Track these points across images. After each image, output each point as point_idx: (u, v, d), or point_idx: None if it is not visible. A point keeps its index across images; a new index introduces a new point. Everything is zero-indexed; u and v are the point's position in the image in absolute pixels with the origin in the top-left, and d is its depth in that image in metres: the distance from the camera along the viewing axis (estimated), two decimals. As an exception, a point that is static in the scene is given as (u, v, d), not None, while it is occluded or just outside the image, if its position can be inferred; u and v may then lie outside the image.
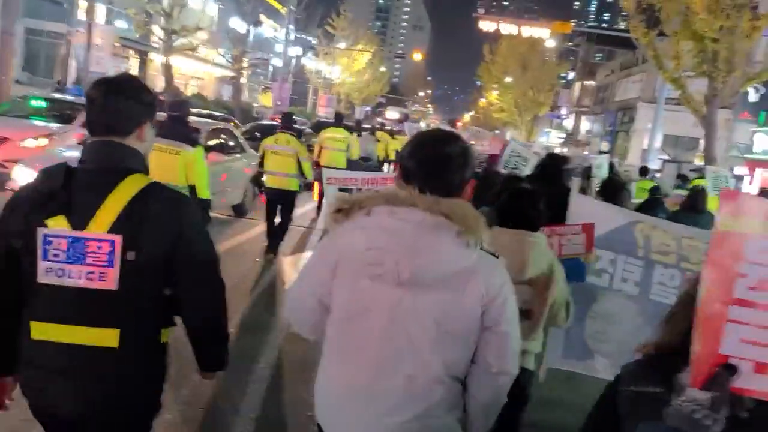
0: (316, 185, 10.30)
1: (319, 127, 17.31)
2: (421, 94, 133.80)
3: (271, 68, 46.89)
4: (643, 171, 13.28)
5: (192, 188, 5.23)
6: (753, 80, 13.03)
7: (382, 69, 60.05)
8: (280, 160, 7.80)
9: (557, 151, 30.69)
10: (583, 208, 4.20)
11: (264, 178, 7.95)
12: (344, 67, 45.47)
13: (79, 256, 1.76)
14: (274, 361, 4.59)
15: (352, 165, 9.51)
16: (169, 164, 5.06)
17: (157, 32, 22.85)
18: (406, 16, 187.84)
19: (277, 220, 7.97)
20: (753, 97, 19.43)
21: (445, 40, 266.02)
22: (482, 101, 66.63)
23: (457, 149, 1.79)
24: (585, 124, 49.18)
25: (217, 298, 1.99)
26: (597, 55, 55.02)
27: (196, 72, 37.50)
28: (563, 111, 53.88)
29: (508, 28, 27.02)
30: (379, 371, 1.75)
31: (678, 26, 12.62)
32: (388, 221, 1.72)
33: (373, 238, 1.73)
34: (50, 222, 1.75)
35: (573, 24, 31.79)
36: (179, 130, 5.33)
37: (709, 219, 5.37)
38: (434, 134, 1.92)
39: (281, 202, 7.89)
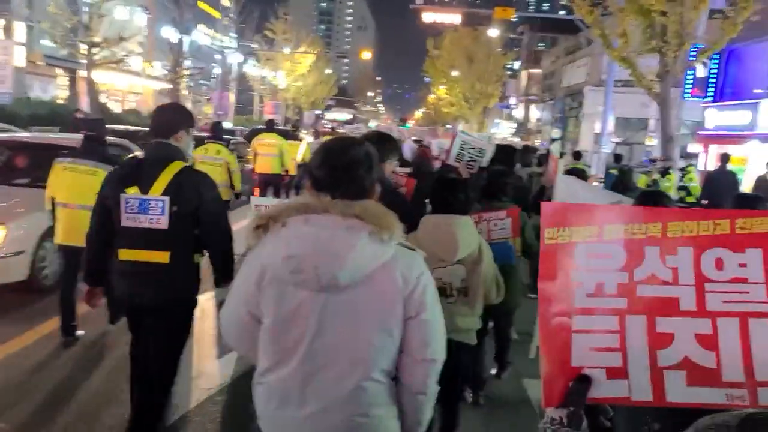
0: (257, 190, 10.54)
1: (252, 135, 16.50)
2: (371, 94, 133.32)
3: (213, 78, 45.54)
4: (577, 155, 13.72)
5: None
6: (706, 53, 12.60)
7: (328, 71, 58.91)
8: (209, 170, 7.25)
9: (509, 141, 30.50)
10: (569, 187, 4.42)
11: None
12: (288, 72, 44.36)
13: (144, 209, 3.07)
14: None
15: (305, 169, 9.29)
16: (86, 185, 4.72)
17: (81, 46, 21.41)
18: (350, 18, 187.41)
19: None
20: (701, 72, 19.19)
21: (391, 38, 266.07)
22: (431, 97, 66.25)
23: (362, 154, 1.89)
24: (534, 113, 49.14)
25: (226, 237, 3.29)
26: (540, 43, 55.33)
27: (133, 87, 36.06)
28: (512, 101, 53.81)
29: (449, 17, 26.43)
30: (311, 374, 1.81)
31: (623, 2, 12.11)
32: (303, 229, 1.78)
33: (291, 246, 1.78)
34: (128, 190, 3.07)
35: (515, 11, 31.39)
36: (95, 150, 5.15)
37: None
38: (340, 142, 2.00)
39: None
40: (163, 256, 3.09)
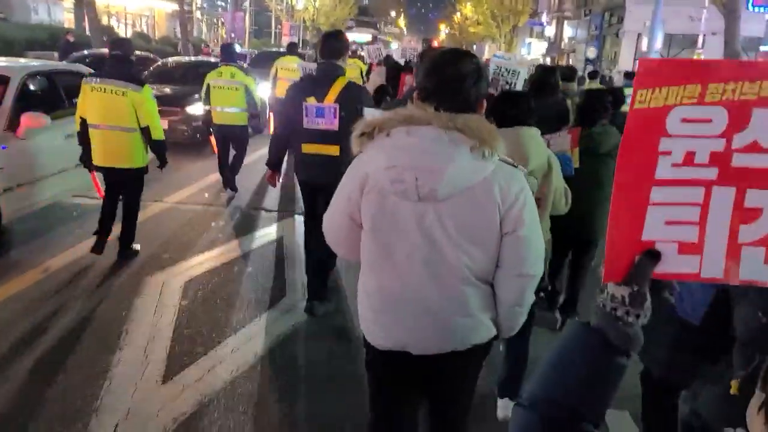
0: (272, 116, 10.11)
1: (259, 60, 15.14)
2: (394, 14, 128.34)
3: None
4: (593, 75, 13.51)
5: (144, 130, 5.04)
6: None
7: (349, -11, 56.00)
8: (225, 94, 7.53)
9: (541, 62, 28.53)
10: None
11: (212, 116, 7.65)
12: (306, -10, 41.96)
13: (321, 114, 4.00)
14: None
15: None
16: (116, 106, 4.93)
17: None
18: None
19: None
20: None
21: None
22: (457, 16, 62.96)
23: (471, 67, 1.86)
24: (568, 31, 46.14)
25: None
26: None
27: (142, 10, 34.32)
28: (544, 18, 50.64)
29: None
30: (414, 276, 1.88)
31: None
32: (405, 140, 1.78)
33: (392, 157, 1.79)
34: (308, 99, 4.01)
35: None
36: (123, 70, 5.06)
37: None
38: (449, 54, 1.93)
39: (231, 138, 7.73)
40: (335, 150, 4.04)
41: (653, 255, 1.07)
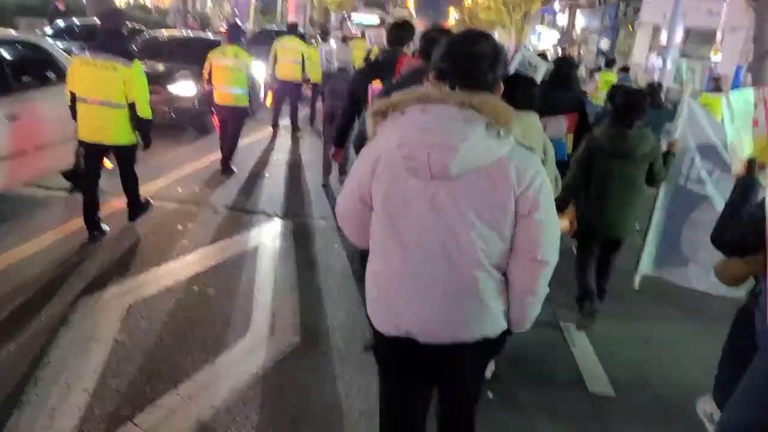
0: (269, 93, 10.27)
1: (257, 40, 14.28)
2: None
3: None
4: (609, 63, 13.75)
5: (131, 106, 4.93)
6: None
7: (357, -31, 54.51)
8: (228, 74, 7.45)
9: (552, 52, 27.47)
10: (695, 113, 4.39)
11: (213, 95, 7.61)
12: (313, -32, 40.65)
13: None
14: None
15: (331, 77, 7.93)
16: (106, 81, 4.83)
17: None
18: None
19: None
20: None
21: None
22: (467, 1, 61.48)
23: (488, 48, 1.83)
24: (580, 20, 44.85)
25: None
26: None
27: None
28: (556, 6, 49.30)
29: None
30: (424, 259, 1.82)
31: None
32: (419, 117, 1.76)
33: (406, 134, 1.77)
34: (374, 82, 3.90)
35: None
36: (114, 43, 4.92)
37: (669, 114, 5.44)
38: (466, 34, 1.91)
39: (230, 119, 7.68)
40: None
41: None
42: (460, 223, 1.77)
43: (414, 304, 1.85)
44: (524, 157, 1.79)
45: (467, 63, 1.81)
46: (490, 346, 1.94)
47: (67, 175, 6.32)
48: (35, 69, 5.95)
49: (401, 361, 2.01)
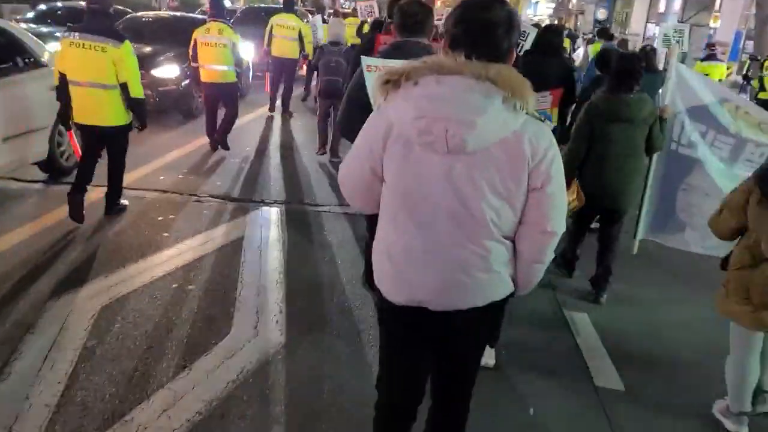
0: (267, 75, 10.24)
1: (243, 19, 13.82)
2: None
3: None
4: (601, 33, 13.21)
5: (123, 86, 4.87)
6: None
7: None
8: (213, 51, 7.37)
9: (547, 22, 26.96)
10: (683, 77, 4.29)
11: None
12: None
13: None
14: None
15: (324, 52, 7.87)
16: (95, 62, 4.77)
17: None
18: None
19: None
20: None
21: None
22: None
23: (503, 14, 1.76)
24: (576, -9, 44.09)
25: None
26: None
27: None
28: (552, -23, 48.36)
29: None
30: (436, 231, 1.80)
31: None
32: (434, 89, 1.70)
33: (421, 107, 1.71)
34: None
35: None
36: (101, 24, 4.85)
37: (660, 78, 5.31)
38: (479, 1, 1.81)
39: (220, 96, 7.57)
40: None
41: None
42: (474, 196, 1.75)
43: (427, 275, 1.83)
44: (538, 129, 1.75)
45: (482, 30, 1.74)
46: (496, 309, 1.95)
47: (43, 166, 6.01)
48: (1, 56, 5.59)
49: (409, 330, 2.01)
